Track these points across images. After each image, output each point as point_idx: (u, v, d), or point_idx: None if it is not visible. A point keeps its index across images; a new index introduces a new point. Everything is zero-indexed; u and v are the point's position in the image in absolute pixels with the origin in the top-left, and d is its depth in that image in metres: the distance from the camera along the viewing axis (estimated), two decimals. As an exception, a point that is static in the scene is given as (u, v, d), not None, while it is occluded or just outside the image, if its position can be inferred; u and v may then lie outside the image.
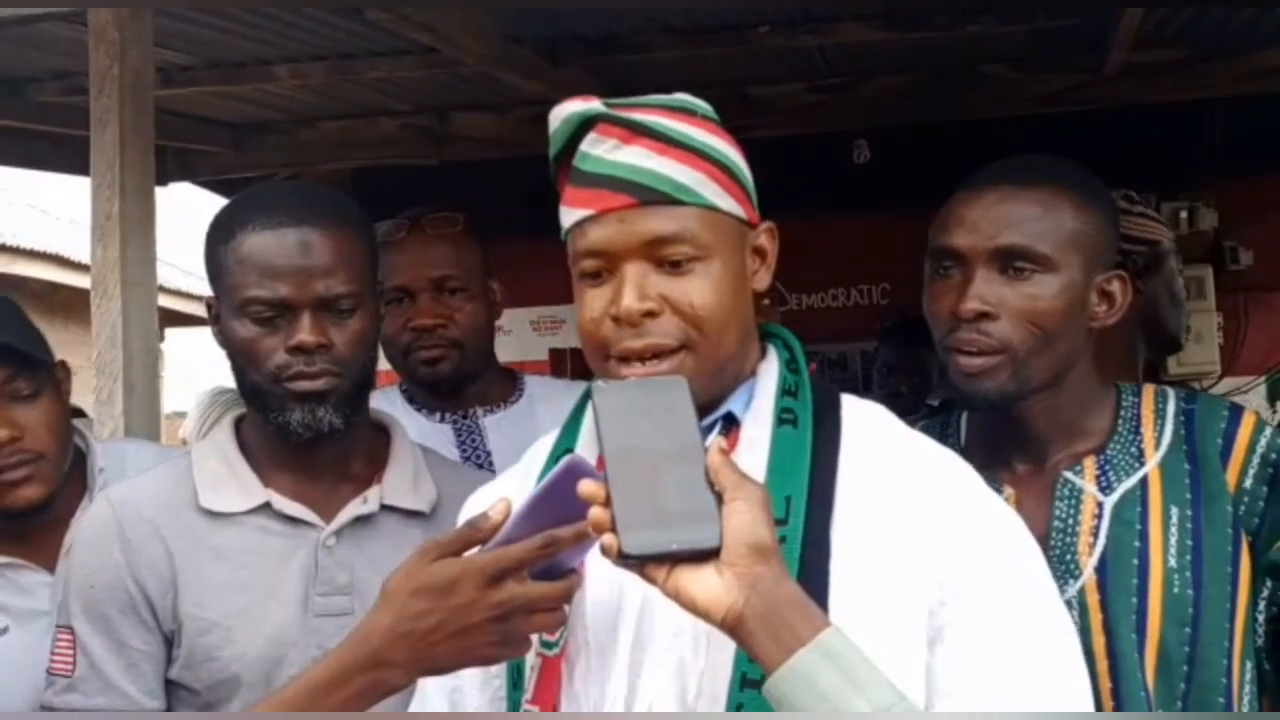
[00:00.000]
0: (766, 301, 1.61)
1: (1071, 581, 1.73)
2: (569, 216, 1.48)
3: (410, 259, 2.53)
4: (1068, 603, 1.65)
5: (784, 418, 1.46)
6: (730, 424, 1.49)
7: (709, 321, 1.43)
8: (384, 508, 1.87)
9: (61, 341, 3.12)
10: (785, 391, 1.48)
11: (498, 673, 1.51)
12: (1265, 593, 1.75)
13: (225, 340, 1.85)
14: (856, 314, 5.36)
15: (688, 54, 3.84)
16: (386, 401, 2.66)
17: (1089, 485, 1.79)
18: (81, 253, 3.16)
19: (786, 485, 1.39)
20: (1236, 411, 1.83)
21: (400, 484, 1.90)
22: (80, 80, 3.19)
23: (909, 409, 3.58)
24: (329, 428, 1.80)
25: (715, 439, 1.33)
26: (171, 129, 4.45)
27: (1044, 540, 1.71)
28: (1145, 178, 4.38)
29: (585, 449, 1.48)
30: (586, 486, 1.26)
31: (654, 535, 1.22)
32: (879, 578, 1.37)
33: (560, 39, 3.76)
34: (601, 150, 1.45)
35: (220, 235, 1.82)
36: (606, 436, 1.27)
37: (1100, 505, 1.77)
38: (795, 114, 4.39)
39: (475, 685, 1.53)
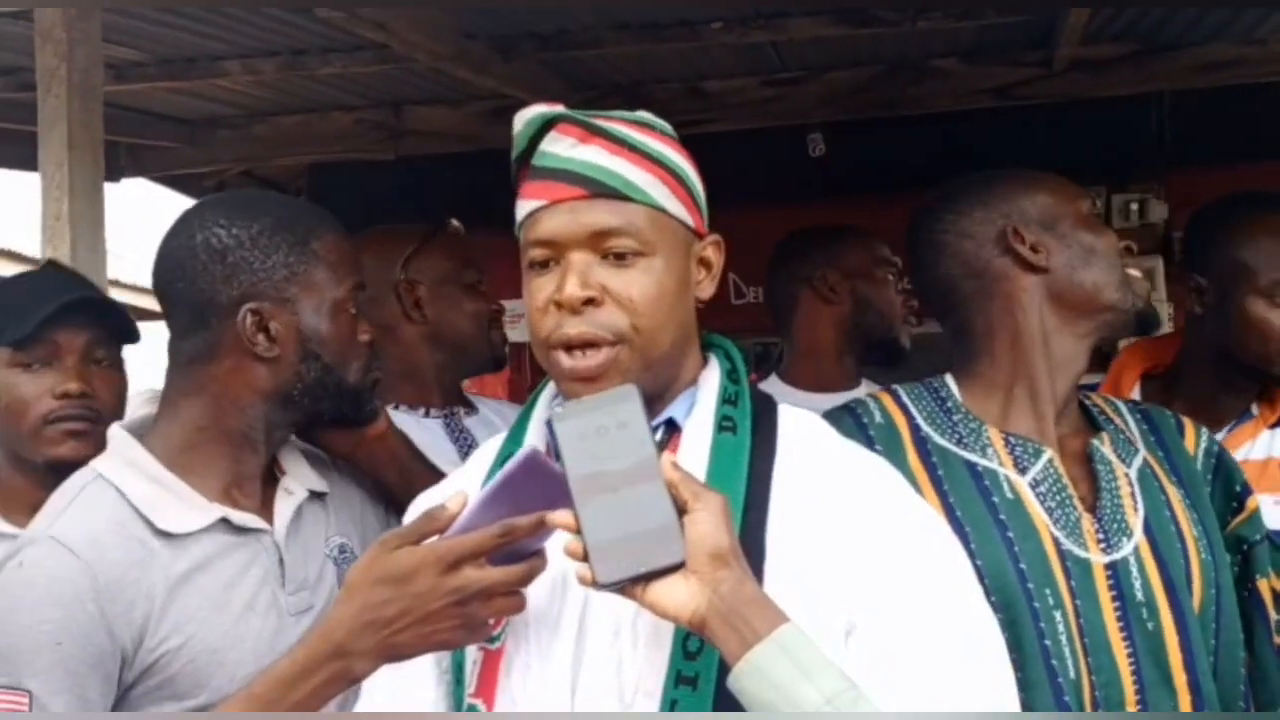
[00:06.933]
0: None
1: (1126, 541, 1.77)
2: (523, 208, 1.52)
3: (473, 253, 2.74)
4: (1124, 560, 1.75)
5: (724, 425, 1.51)
6: (672, 429, 1.54)
7: (647, 316, 1.47)
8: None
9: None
10: (726, 400, 1.53)
11: (448, 668, 1.53)
12: (1235, 569, 1.89)
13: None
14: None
15: (641, 49, 3.83)
16: None
17: (1112, 456, 1.84)
18: (33, 248, 3.14)
19: (724, 490, 1.41)
20: (1175, 412, 2.00)
21: (300, 467, 1.89)
22: (28, 76, 3.16)
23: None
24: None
25: (665, 455, 1.36)
26: (124, 124, 4.41)
27: (1095, 501, 1.79)
28: (1095, 171, 4.45)
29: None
30: (558, 518, 1.33)
31: (623, 562, 1.29)
32: (807, 577, 1.41)
33: (513, 35, 3.75)
34: (559, 148, 1.50)
35: None
36: (569, 465, 1.32)
37: (1128, 475, 1.83)
38: (749, 108, 4.40)
39: (430, 680, 1.55)
